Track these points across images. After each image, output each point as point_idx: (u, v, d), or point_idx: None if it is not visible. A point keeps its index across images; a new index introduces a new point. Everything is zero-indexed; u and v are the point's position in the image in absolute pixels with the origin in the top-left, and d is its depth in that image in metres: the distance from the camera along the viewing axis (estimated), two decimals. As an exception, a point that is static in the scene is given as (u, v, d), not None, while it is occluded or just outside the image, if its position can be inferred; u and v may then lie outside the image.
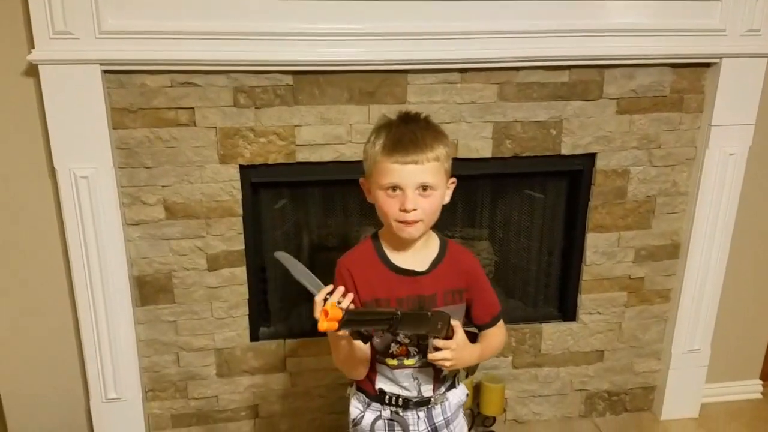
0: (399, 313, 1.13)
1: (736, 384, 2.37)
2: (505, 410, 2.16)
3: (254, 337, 2.00)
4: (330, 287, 1.20)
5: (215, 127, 1.78)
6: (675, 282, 2.16)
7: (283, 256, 1.16)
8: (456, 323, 1.27)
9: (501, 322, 1.39)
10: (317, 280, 1.17)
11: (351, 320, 1.06)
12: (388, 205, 1.22)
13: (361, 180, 1.31)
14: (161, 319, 1.92)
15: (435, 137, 1.23)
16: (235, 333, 1.97)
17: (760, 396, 2.40)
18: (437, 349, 1.23)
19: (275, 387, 2.05)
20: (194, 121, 1.77)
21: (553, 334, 2.16)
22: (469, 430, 2.10)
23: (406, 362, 1.30)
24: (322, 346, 1.91)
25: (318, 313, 1.14)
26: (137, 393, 1.94)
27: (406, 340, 1.29)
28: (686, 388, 2.24)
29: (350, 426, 1.39)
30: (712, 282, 2.14)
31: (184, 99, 1.74)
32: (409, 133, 1.21)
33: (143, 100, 1.73)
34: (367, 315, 1.15)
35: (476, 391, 2.09)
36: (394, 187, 1.21)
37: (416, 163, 1.20)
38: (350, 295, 1.20)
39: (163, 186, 1.82)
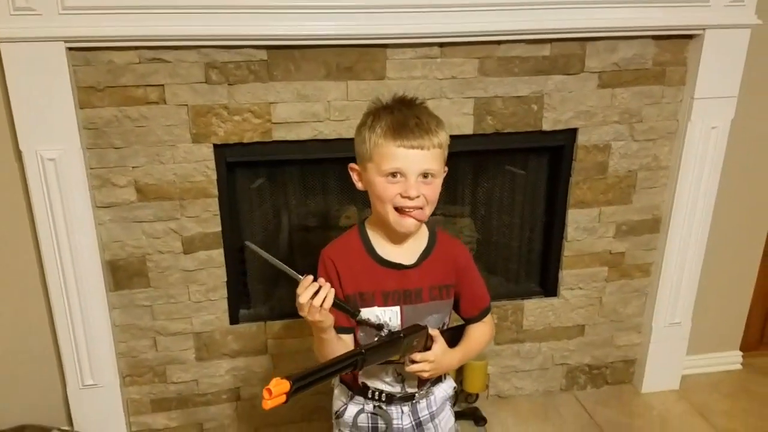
0: (363, 351, 1.06)
1: (717, 356, 2.40)
2: (487, 386, 2.16)
3: (234, 320, 1.97)
4: (314, 284, 1.10)
5: (186, 105, 1.72)
6: (656, 256, 2.16)
7: (253, 247, 1.11)
8: (435, 333, 1.24)
9: (489, 317, 1.36)
10: (290, 269, 1.11)
11: (302, 387, 0.95)
12: (387, 191, 1.16)
13: (351, 165, 1.24)
14: (136, 303, 1.88)
15: (438, 123, 1.19)
16: (213, 316, 1.94)
17: (740, 367, 2.43)
18: (414, 361, 1.20)
19: (257, 370, 2.02)
20: (164, 99, 1.71)
21: (535, 309, 2.16)
22: (453, 405, 2.11)
23: (390, 358, 1.25)
24: (305, 327, 1.88)
25: (303, 299, 1.08)
26: (114, 378, 1.91)
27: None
28: (667, 360, 2.26)
29: (333, 417, 1.36)
30: (692, 256, 2.14)
31: (153, 76, 1.68)
32: (412, 117, 1.16)
33: (110, 77, 1.66)
34: (323, 370, 1.01)
35: (459, 368, 2.09)
36: (396, 173, 1.15)
37: (422, 148, 1.14)
38: (332, 291, 1.12)
39: (133, 167, 1.75)
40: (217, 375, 2.00)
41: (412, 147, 1.14)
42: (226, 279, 1.91)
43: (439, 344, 1.24)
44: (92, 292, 1.79)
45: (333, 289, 1.12)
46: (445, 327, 1.32)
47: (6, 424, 1.86)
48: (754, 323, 2.42)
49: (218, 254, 1.88)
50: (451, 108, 1.86)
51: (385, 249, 1.25)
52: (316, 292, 1.10)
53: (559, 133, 1.96)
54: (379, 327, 1.22)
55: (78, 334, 1.82)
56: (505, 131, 1.91)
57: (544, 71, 1.87)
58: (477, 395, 2.15)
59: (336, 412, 1.34)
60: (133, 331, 1.91)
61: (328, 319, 1.14)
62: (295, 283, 1.11)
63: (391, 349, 1.15)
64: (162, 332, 1.92)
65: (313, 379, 0.98)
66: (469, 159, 2.08)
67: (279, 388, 0.91)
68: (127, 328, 1.90)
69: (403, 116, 1.16)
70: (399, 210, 1.18)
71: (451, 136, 1.83)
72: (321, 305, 1.09)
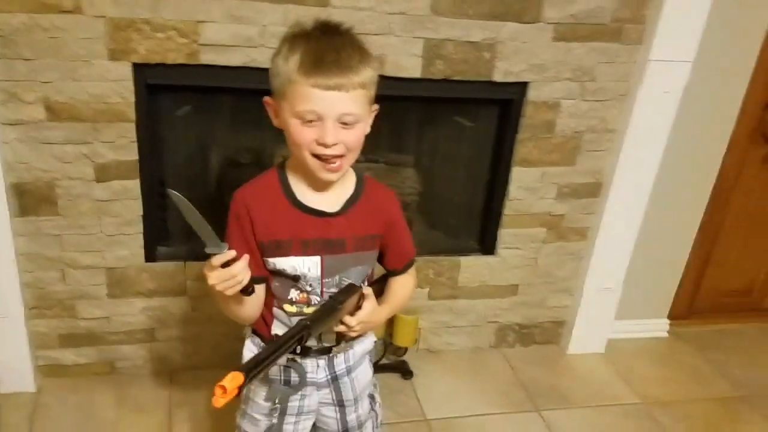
0: (308, 323, 0.99)
1: (645, 322, 2.43)
2: (417, 341, 2.13)
3: (150, 257, 1.85)
4: (231, 253, 1.00)
5: (104, 17, 1.55)
6: (593, 221, 2.14)
7: (177, 196, 0.97)
8: (368, 291, 1.15)
9: (413, 269, 1.28)
10: (211, 231, 0.99)
11: (257, 374, 0.89)
12: (302, 135, 1.03)
13: (266, 99, 1.09)
14: (44, 232, 1.74)
15: (361, 57, 1.03)
16: (128, 252, 1.81)
17: (666, 335, 2.48)
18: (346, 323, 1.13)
19: (174, 311, 1.92)
20: (80, 8, 1.53)
21: (472, 266, 2.12)
22: (380, 359, 2.08)
23: (306, 311, 1.16)
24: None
25: (214, 280, 1.00)
26: (19, 309, 1.78)
27: (309, 288, 1.15)
28: (595, 324, 2.28)
29: None
30: (629, 223, 2.13)
31: (68, -19, 1.50)
32: (331, 51, 1.00)
33: (19, -22, 1.47)
34: (275, 353, 0.94)
35: (389, 322, 2.04)
36: (311, 117, 1.02)
37: (340, 89, 1.00)
38: (246, 258, 1.03)
39: (43, 82, 1.58)
40: (131, 314, 1.89)
41: (329, 88, 1.00)
42: (142, 213, 1.78)
43: (371, 302, 1.16)
44: (-7, 215, 1.65)
45: (247, 256, 1.03)
46: (368, 280, 1.24)
47: None
48: (684, 293, 2.45)
49: (134, 185, 1.74)
50: (400, 48, 1.74)
51: (305, 194, 1.13)
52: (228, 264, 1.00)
53: (510, 86, 1.88)
54: (296, 278, 1.14)
55: (-24, 260, 1.67)
56: (455, 78, 1.82)
57: (498, 16, 1.77)
58: (406, 349, 2.11)
59: None
60: (40, 261, 1.77)
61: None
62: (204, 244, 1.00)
63: (330, 315, 1.07)
64: (72, 265, 1.79)
65: (264, 366, 0.93)
66: (415, 105, 1.98)
67: (233, 382, 0.84)
68: (33, 257, 1.76)
69: (322, 47, 1.01)
70: (317, 157, 1.06)
71: (399, 79, 1.77)
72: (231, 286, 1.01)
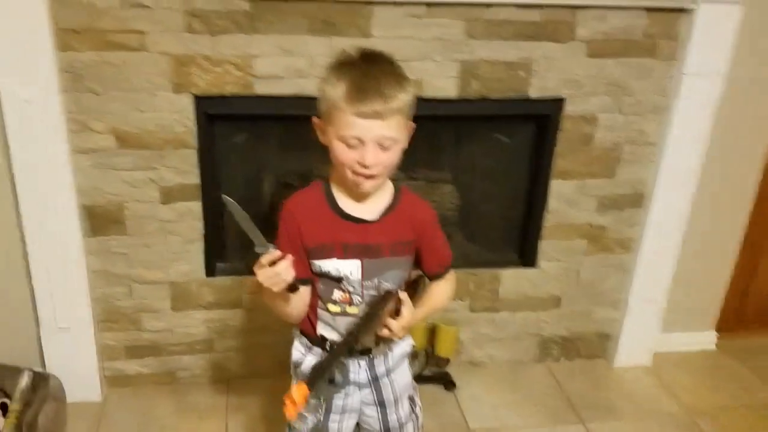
0: (354, 331, 1.09)
1: (691, 334, 2.41)
2: (459, 352, 2.18)
3: (210, 272, 1.98)
4: (277, 253, 1.12)
5: (167, 54, 1.70)
6: (636, 232, 2.16)
7: (229, 201, 1.10)
8: (404, 296, 1.25)
9: (451, 273, 1.37)
10: (259, 232, 1.11)
11: (318, 382, 1.02)
12: (345, 156, 1.15)
13: (314, 119, 1.21)
14: (113, 250, 1.89)
15: (399, 84, 1.14)
16: (190, 267, 1.95)
17: (713, 347, 2.45)
18: (388, 327, 1.22)
19: (231, 323, 2.04)
20: (145, 46, 1.69)
21: (512, 279, 2.16)
22: (423, 370, 2.14)
23: (348, 310, 1.27)
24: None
25: (261, 277, 1.11)
26: (89, 323, 1.92)
27: (351, 289, 1.25)
28: (640, 337, 2.28)
29: (291, 368, 1.37)
30: (672, 233, 2.14)
31: (134, 21, 1.65)
32: (372, 80, 1.12)
33: (90, 20, 1.63)
34: (330, 361, 1.08)
35: (431, 332, 2.11)
36: (353, 140, 1.14)
37: (379, 117, 1.11)
38: (290, 258, 1.13)
39: (112, 114, 1.74)
40: (192, 326, 2.02)
41: (369, 116, 1.11)
42: (203, 231, 1.92)
43: (408, 307, 1.25)
44: (69, 236, 1.80)
45: (290, 256, 1.13)
46: (405, 284, 1.33)
47: (-21, 362, 1.89)
48: (731, 304, 2.42)
49: (196, 206, 1.88)
50: (437, 70, 1.84)
51: (347, 203, 1.25)
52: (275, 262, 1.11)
53: (546, 102, 1.94)
54: (339, 279, 1.24)
55: (53, 277, 1.83)
56: (491, 97, 1.90)
57: (532, 37, 1.84)
58: (448, 360, 2.16)
59: (294, 363, 1.36)
60: (109, 278, 1.92)
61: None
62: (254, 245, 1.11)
63: (374, 322, 1.17)
64: (138, 280, 1.94)
65: (322, 374, 1.07)
66: (452, 124, 2.06)
67: (300, 393, 0.94)
68: (102, 274, 1.91)
69: (364, 77, 1.12)
70: (356, 173, 1.17)
71: (435, 100, 1.87)
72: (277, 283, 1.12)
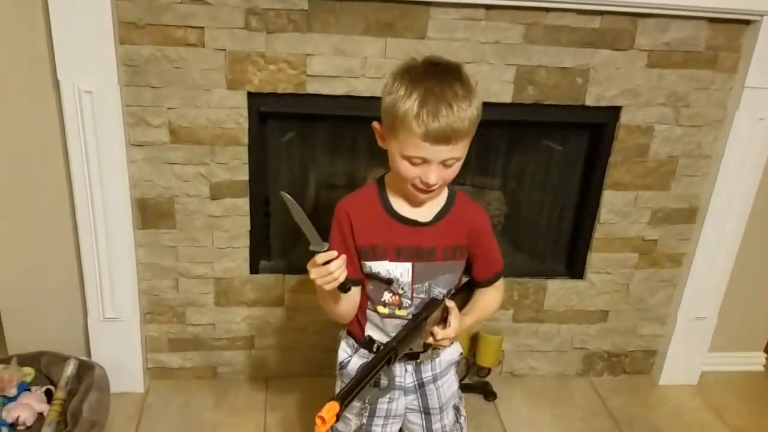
0: (395, 344, 1.07)
1: (739, 355, 2.33)
2: (501, 362, 2.15)
3: (254, 269, 1.98)
4: (332, 253, 1.10)
5: (224, 50, 1.71)
6: (688, 247, 2.10)
7: (288, 198, 1.10)
8: (451, 305, 1.22)
9: (501, 281, 1.34)
10: (315, 231, 1.10)
11: (350, 401, 0.98)
12: (408, 172, 1.13)
13: (375, 125, 1.18)
14: (162, 243, 1.90)
15: (469, 101, 1.10)
16: (234, 264, 1.95)
17: (762, 369, 2.37)
18: (434, 336, 1.21)
19: (272, 321, 2.04)
20: (203, 42, 1.70)
21: (558, 290, 2.12)
22: (463, 378, 2.11)
23: (398, 312, 1.26)
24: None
25: (315, 275, 1.11)
26: (135, 314, 1.94)
27: (401, 291, 1.24)
28: (688, 355, 2.21)
29: (337, 368, 1.36)
30: (726, 250, 2.08)
31: (194, 17, 1.67)
32: (443, 101, 1.07)
33: (152, 15, 1.65)
34: (362, 381, 1.03)
35: (473, 341, 2.07)
36: (418, 161, 1.11)
37: (448, 142, 1.09)
38: (344, 258, 1.12)
39: (168, 108, 1.76)
40: (234, 322, 2.03)
41: (438, 142, 1.08)
42: (249, 228, 1.92)
43: (455, 316, 1.23)
44: (120, 227, 1.83)
45: (344, 256, 1.12)
46: (455, 289, 1.31)
47: (26, 349, 1.91)
48: (783, 326, 2.34)
49: (244, 203, 1.89)
50: (492, 74, 1.81)
51: (401, 205, 1.23)
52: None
53: (602, 110, 1.90)
54: (389, 281, 1.22)
55: (103, 268, 1.85)
56: (546, 103, 1.86)
57: (592, 44, 1.80)
58: (489, 370, 2.13)
59: (340, 363, 1.35)
60: (156, 271, 1.94)
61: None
62: (308, 242, 1.11)
63: (418, 332, 1.15)
64: (184, 274, 1.95)
65: (355, 393, 1.01)
66: (504, 129, 2.04)
67: (331, 412, 0.93)
68: (150, 266, 1.93)
69: (434, 95, 1.07)
70: (416, 187, 1.16)
71: (489, 104, 1.81)
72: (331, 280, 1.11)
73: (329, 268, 1.10)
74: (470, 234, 1.25)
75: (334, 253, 1.11)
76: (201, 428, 1.92)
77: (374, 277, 1.24)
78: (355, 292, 1.24)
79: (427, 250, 1.22)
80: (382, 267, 1.22)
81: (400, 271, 1.23)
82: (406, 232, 1.22)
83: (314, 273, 1.12)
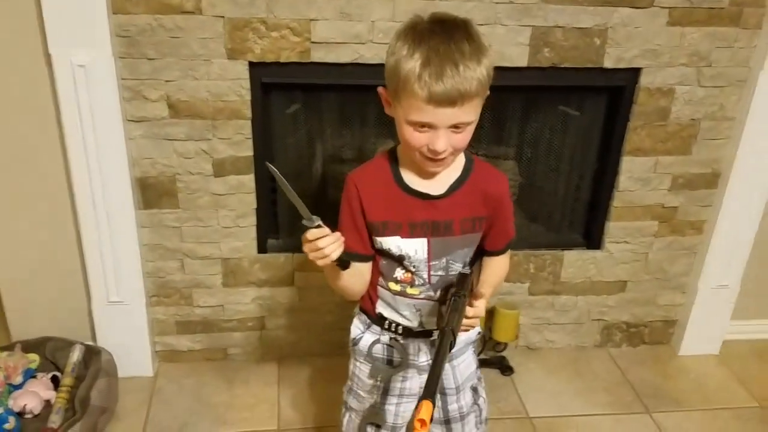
0: (450, 329, 0.99)
1: (763, 323, 2.28)
2: (517, 336, 2.09)
3: (262, 248, 1.92)
4: (323, 230, 1.04)
5: (223, 17, 1.62)
6: (710, 213, 2.02)
7: (274, 170, 1.02)
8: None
9: (508, 249, 1.28)
10: (304, 205, 1.03)
11: (436, 390, 0.92)
12: (414, 139, 1.05)
13: (380, 89, 1.10)
14: (165, 224, 1.84)
15: (478, 60, 1.00)
16: (242, 243, 1.89)
17: (784, 336, 2.32)
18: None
19: (282, 300, 1.98)
20: (200, 9, 1.60)
21: (576, 261, 2.05)
22: (480, 353, 2.06)
23: (409, 291, 1.19)
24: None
25: (306, 250, 1.05)
26: (140, 297, 1.89)
27: (413, 268, 1.17)
28: (709, 324, 2.16)
29: (350, 345, 1.31)
30: (749, 216, 2.01)
31: (190, -18, 1.57)
32: (448, 60, 0.98)
33: (145, -18, 1.56)
34: (436, 370, 0.97)
35: (489, 315, 2.02)
36: (424, 126, 1.03)
37: (453, 104, 1.00)
38: (336, 235, 1.06)
39: (166, 81, 1.67)
40: (243, 302, 1.97)
41: (442, 105, 1.00)
42: (256, 206, 1.85)
43: (483, 295, 1.14)
44: (121, 208, 1.76)
45: (341, 244, 1.05)
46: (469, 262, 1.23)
47: (31, 335, 1.87)
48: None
49: (249, 180, 1.81)
50: (506, 36, 1.72)
51: (413, 178, 1.15)
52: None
53: (621, 72, 1.81)
54: (400, 258, 1.16)
55: (105, 250, 1.79)
56: (563, 65, 1.77)
57: (610, 2, 1.71)
58: (505, 345, 2.08)
59: (353, 339, 1.29)
60: (161, 252, 1.87)
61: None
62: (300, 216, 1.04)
63: (461, 311, 1.07)
64: (190, 255, 1.88)
65: (437, 382, 0.94)
66: (519, 94, 1.95)
67: (427, 412, 0.88)
68: (155, 248, 1.87)
69: (438, 53, 0.99)
70: (424, 156, 1.07)
71: (503, 69, 1.74)
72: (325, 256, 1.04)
73: (317, 243, 1.04)
74: (490, 203, 1.18)
75: (325, 230, 1.04)
76: (214, 410, 1.87)
77: (384, 253, 1.17)
78: (365, 268, 1.18)
79: (443, 225, 1.15)
80: (393, 243, 1.15)
81: (414, 247, 1.16)
82: (419, 206, 1.14)
83: (306, 249, 1.06)
